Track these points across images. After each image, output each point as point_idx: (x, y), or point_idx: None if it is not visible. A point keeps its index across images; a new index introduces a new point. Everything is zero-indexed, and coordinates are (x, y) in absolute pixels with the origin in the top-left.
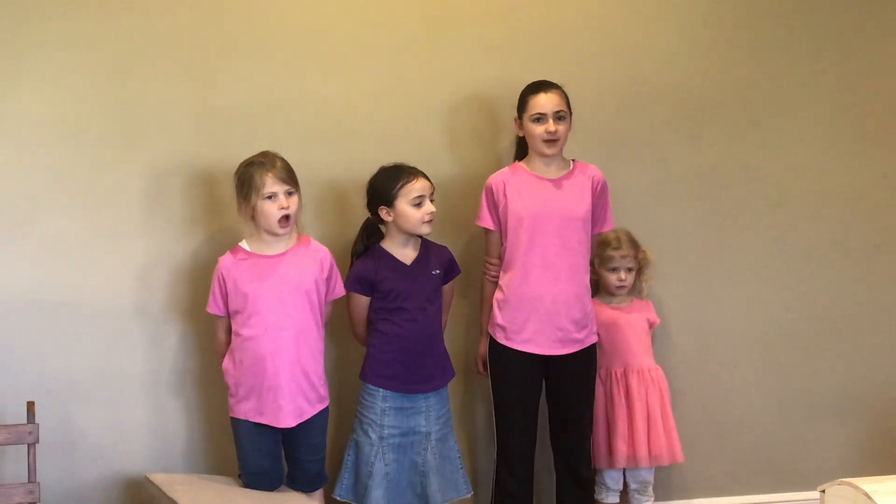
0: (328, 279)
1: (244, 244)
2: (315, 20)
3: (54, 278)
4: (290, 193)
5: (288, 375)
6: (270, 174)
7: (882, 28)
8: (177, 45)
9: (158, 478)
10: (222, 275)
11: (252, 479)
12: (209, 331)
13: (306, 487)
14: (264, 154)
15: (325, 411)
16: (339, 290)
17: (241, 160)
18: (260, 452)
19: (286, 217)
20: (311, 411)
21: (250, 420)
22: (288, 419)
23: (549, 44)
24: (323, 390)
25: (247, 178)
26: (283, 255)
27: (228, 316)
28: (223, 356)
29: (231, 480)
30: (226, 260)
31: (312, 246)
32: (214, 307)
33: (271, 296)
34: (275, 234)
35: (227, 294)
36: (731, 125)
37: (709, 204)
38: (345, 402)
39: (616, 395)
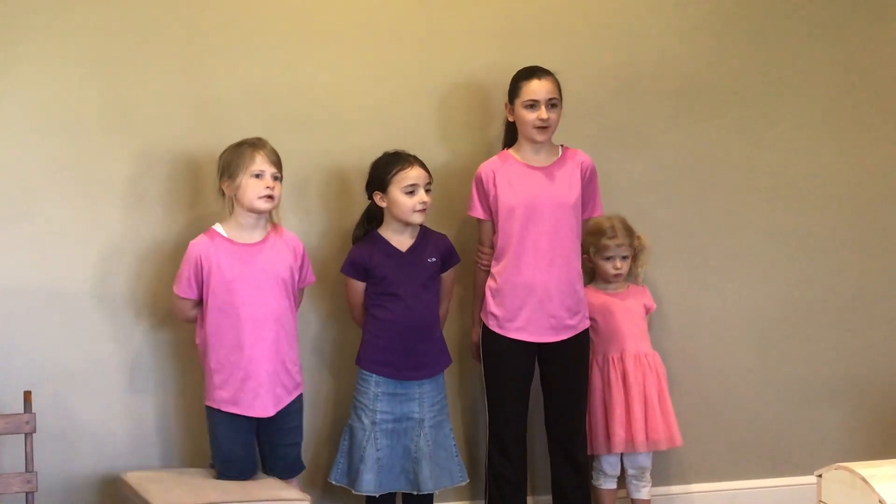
0: (301, 267)
1: (219, 228)
2: (308, 8)
3: (49, 267)
4: (276, 177)
5: (267, 364)
6: (261, 153)
7: (883, 13)
8: (171, 34)
9: (133, 477)
10: (199, 258)
11: (225, 466)
12: (199, 319)
13: (284, 474)
14: (256, 138)
15: (300, 397)
16: (310, 278)
17: None
18: (234, 440)
19: (269, 196)
20: (287, 399)
21: (223, 410)
22: (267, 408)
23: (543, 31)
24: (298, 377)
25: (236, 155)
26: (261, 243)
27: (200, 300)
28: (194, 322)
29: (204, 472)
30: (202, 244)
31: (286, 235)
32: (188, 290)
33: (251, 284)
34: (256, 212)
35: (202, 278)
36: (728, 111)
37: (705, 190)
38: (344, 387)
39: (613, 381)
